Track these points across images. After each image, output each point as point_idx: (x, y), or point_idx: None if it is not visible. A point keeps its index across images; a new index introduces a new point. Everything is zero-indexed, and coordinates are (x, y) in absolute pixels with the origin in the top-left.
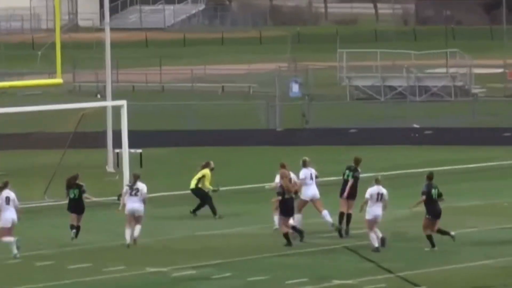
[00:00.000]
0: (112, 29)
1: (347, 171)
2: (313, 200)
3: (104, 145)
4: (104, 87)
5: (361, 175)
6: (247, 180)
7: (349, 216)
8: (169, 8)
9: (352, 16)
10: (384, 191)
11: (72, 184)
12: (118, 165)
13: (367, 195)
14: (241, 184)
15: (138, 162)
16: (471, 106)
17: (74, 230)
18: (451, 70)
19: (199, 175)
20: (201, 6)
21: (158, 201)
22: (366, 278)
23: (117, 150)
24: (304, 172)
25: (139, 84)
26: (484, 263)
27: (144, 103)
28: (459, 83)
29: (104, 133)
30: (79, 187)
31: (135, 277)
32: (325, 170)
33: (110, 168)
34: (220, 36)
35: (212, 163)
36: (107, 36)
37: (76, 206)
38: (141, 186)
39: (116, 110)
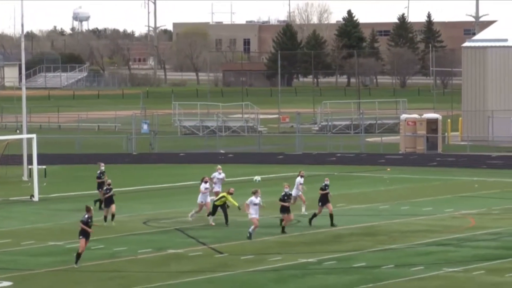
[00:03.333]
0: (26, 88)
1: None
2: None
3: (21, 163)
4: (21, 125)
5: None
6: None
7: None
8: (64, 74)
9: (182, 81)
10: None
11: None
12: (30, 176)
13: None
14: (114, 188)
15: (43, 174)
16: (258, 139)
17: None
18: (245, 115)
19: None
20: (85, 73)
21: (57, 199)
22: (190, 248)
23: (30, 166)
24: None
25: (44, 124)
26: (268, 239)
27: (47, 136)
28: (250, 124)
29: (21, 155)
30: None
31: (41, 248)
32: (164, 181)
33: (25, 178)
34: (97, 93)
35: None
36: (23, 93)
37: None
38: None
39: (29, 140)
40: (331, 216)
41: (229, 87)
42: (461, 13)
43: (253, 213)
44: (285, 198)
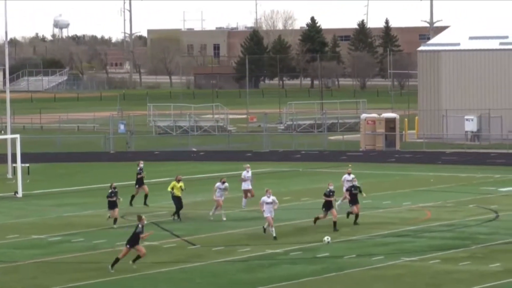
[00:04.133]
0: (10, 91)
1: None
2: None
3: (5, 161)
4: (6, 126)
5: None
6: (94, 183)
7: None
8: (45, 78)
9: (156, 84)
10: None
11: None
12: (14, 174)
13: None
14: (93, 184)
15: (26, 172)
16: (227, 137)
17: None
18: (216, 116)
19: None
20: (65, 77)
21: (39, 195)
22: (165, 241)
23: (14, 164)
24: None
25: (27, 125)
26: (237, 231)
27: (30, 136)
28: (220, 124)
29: (5, 155)
30: None
31: (25, 242)
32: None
33: (9, 175)
34: (77, 96)
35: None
36: (8, 96)
37: None
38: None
39: (13, 140)
40: (356, 216)
41: (200, 89)
42: (417, 19)
43: (267, 212)
44: (330, 194)
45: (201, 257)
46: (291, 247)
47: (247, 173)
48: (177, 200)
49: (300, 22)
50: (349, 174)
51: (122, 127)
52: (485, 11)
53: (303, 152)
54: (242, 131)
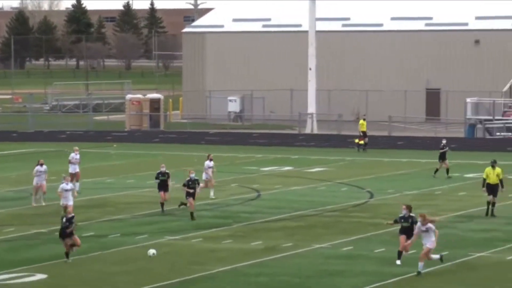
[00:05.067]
0: None
1: None
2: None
3: None
4: None
5: None
6: None
7: None
8: None
9: None
10: None
11: None
12: None
13: None
14: None
15: None
16: None
17: None
18: None
19: None
20: None
21: None
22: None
23: None
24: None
25: None
26: (5, 211)
27: None
28: None
29: None
30: None
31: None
32: None
33: None
34: None
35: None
36: None
37: None
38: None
39: None
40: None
41: None
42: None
43: (68, 200)
44: (190, 183)
45: None
46: (54, 226)
47: (75, 155)
48: None
49: (66, 3)
50: (210, 160)
51: None
52: None
53: (69, 132)
54: (7, 111)
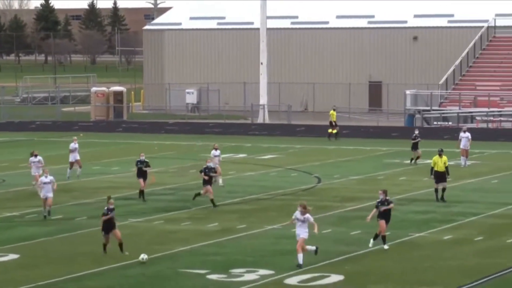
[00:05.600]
0: None
1: None
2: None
3: None
4: None
5: None
6: None
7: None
8: None
9: None
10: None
11: None
12: None
13: None
14: None
15: None
16: None
17: None
18: None
19: None
20: None
21: None
22: None
23: None
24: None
25: None
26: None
27: None
28: None
29: None
30: None
31: None
32: None
33: None
34: None
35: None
36: None
37: None
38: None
39: None
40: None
41: None
42: (142, 1)
43: (44, 191)
44: (206, 171)
45: None
46: (26, 210)
47: (74, 145)
48: None
49: (35, 3)
50: (216, 149)
51: None
52: None
53: (38, 122)
54: None
